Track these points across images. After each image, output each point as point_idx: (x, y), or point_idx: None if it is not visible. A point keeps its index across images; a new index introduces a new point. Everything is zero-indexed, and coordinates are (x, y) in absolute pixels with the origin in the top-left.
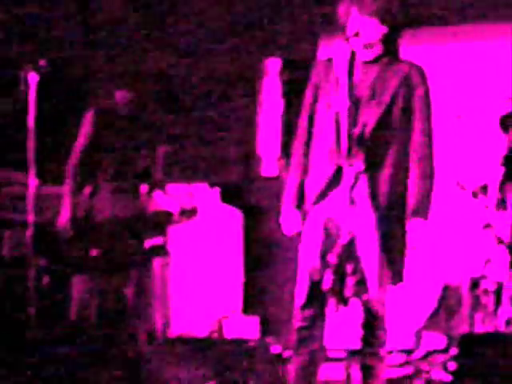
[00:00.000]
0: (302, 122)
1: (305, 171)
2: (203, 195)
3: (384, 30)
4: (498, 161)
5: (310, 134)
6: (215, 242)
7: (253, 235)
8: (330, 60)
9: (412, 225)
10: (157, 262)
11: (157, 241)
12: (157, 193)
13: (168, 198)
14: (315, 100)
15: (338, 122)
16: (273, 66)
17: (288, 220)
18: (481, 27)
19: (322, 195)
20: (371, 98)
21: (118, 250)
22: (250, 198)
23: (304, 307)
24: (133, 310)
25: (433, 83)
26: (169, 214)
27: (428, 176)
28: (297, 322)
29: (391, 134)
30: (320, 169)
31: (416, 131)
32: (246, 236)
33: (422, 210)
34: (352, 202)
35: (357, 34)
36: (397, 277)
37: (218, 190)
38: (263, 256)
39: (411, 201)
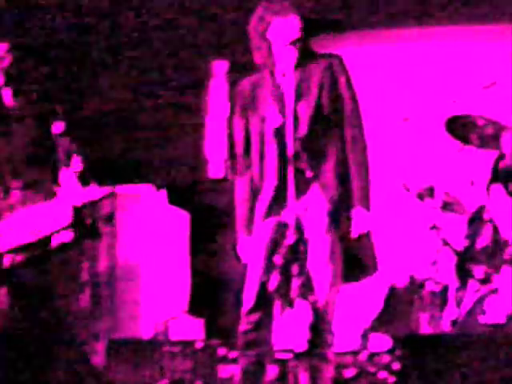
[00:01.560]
0: (238, 148)
1: (251, 196)
2: (151, 197)
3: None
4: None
5: (248, 155)
6: (162, 243)
7: (200, 237)
8: (252, 77)
9: (356, 213)
10: (103, 263)
11: (64, 237)
12: (61, 187)
13: (71, 192)
14: (246, 121)
15: (278, 134)
16: (220, 68)
17: (244, 248)
18: (423, 30)
19: (271, 208)
20: (300, 99)
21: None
22: (198, 199)
23: (251, 311)
24: (75, 311)
25: (379, 85)
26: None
27: (363, 162)
28: (243, 325)
29: (327, 127)
30: (267, 184)
31: (347, 120)
32: (192, 237)
33: (362, 199)
34: (303, 206)
35: (300, 34)
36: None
37: (164, 191)
38: (210, 257)
39: (354, 189)
